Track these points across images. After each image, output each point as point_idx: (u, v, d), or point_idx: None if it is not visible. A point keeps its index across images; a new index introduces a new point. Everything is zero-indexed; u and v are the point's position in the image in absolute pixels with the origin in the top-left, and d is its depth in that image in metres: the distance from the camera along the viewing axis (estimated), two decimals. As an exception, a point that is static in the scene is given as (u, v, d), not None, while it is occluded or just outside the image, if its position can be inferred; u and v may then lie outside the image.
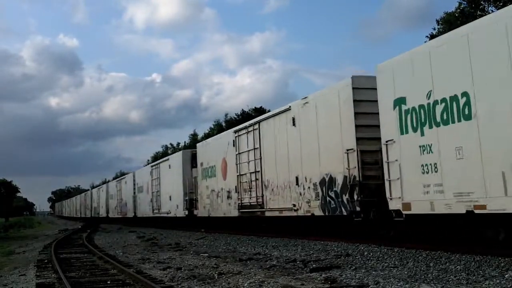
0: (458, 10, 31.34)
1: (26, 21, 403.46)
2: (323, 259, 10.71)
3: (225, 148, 20.22)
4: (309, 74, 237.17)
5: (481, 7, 30.59)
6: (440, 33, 30.00)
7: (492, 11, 27.65)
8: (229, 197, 19.80)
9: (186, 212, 24.77)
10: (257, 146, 17.41)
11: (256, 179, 17.36)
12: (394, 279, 7.72)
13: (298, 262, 10.47)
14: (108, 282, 9.21)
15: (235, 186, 19.04)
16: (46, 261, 13.72)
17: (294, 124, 15.03)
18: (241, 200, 18.58)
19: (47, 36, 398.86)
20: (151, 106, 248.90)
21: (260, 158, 17.14)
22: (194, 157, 24.75)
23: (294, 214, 15.11)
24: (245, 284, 8.07)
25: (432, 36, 31.24)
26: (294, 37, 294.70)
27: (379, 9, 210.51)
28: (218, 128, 55.59)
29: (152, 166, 33.00)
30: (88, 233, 28.73)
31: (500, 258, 8.53)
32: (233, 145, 19.28)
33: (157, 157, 76.03)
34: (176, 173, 26.48)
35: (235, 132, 19.46)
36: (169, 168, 27.86)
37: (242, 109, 56.45)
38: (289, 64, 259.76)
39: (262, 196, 16.96)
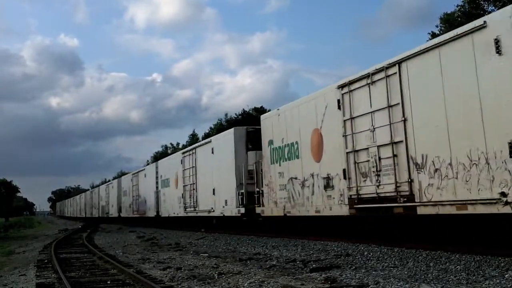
0: (459, 11, 31.33)
1: (26, 21, 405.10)
2: (323, 259, 10.71)
3: (319, 113, 13.97)
4: (310, 74, 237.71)
5: (481, 6, 30.59)
6: (442, 31, 30.01)
7: (493, 10, 27.66)
8: (328, 186, 13.47)
9: (242, 210, 18.44)
10: (395, 101, 11.08)
11: (394, 155, 11.09)
12: (394, 279, 7.72)
13: (298, 262, 10.47)
14: (108, 282, 9.21)
15: (343, 170, 12.73)
16: (46, 261, 13.73)
17: (498, 52, 8.75)
18: (356, 190, 12.28)
19: (48, 36, 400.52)
20: (152, 106, 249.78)
21: (404, 120, 10.83)
22: (250, 137, 19.06)
23: (503, 210, 8.66)
24: (245, 284, 8.07)
25: (433, 34, 31.24)
26: (294, 37, 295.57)
27: (379, 9, 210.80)
28: (218, 128, 55.53)
29: (184, 153, 25.74)
30: (88, 233, 28.74)
31: (500, 258, 8.53)
32: (338, 108, 12.95)
33: (156, 157, 75.96)
34: (224, 158, 20.01)
35: (341, 87, 12.89)
36: (212, 153, 21.33)
37: (243, 109, 56.47)
38: (290, 64, 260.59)
39: (410, 181, 10.66)
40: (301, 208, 14.84)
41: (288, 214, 15.59)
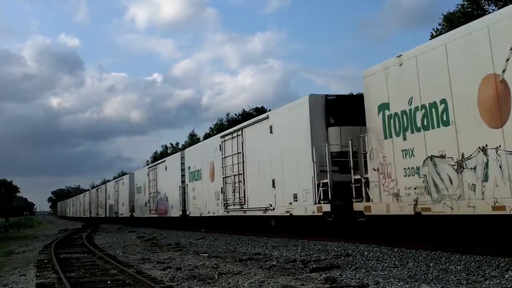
0: (459, 11, 31.36)
1: (27, 21, 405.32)
2: (323, 259, 10.71)
3: (498, 47, 8.78)
4: (310, 74, 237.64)
5: (481, 6, 30.60)
6: (445, 30, 30.02)
7: (493, 10, 27.66)
8: None
9: (325, 207, 13.44)
10: None
11: None
12: (394, 279, 7.72)
13: (298, 262, 10.47)
14: (108, 282, 9.21)
15: None
16: (46, 261, 13.72)
17: None
18: None
19: (48, 36, 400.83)
20: (152, 106, 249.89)
21: None
22: (331, 108, 14.36)
23: None
24: (245, 284, 8.07)
25: (437, 31, 31.26)
26: (295, 37, 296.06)
27: (379, 9, 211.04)
28: (218, 127, 55.53)
29: (224, 136, 20.54)
30: (88, 233, 28.74)
31: (500, 258, 8.53)
32: None
33: (156, 157, 76.00)
34: (292, 138, 15.25)
35: None
36: (271, 132, 16.51)
37: (243, 109, 56.52)
38: (290, 64, 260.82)
39: None
40: (458, 203, 9.59)
41: (424, 213, 10.37)
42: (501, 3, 27.94)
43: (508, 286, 6.83)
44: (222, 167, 20.25)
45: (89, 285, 9.08)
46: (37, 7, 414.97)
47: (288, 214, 15.36)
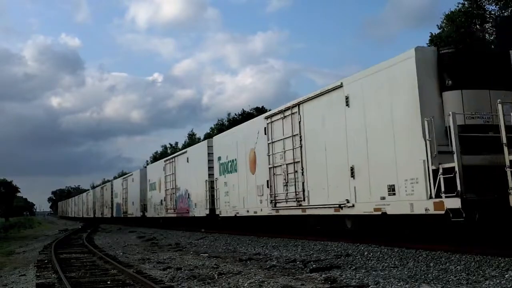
0: (459, 11, 31.38)
1: (28, 20, 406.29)
2: (323, 259, 10.71)
3: None
4: (311, 73, 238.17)
5: (481, 6, 30.60)
6: (448, 29, 30.03)
7: (494, 9, 27.67)
8: None
9: (451, 203, 9.26)
10: None
11: None
12: (394, 279, 7.72)
13: (298, 262, 10.48)
14: (108, 282, 9.22)
15: None
16: (46, 261, 13.74)
17: None
18: None
19: (49, 36, 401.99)
20: (152, 106, 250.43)
21: None
22: (447, 64, 10.34)
23: None
24: (245, 284, 8.08)
25: (440, 28, 31.30)
26: (296, 36, 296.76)
27: (382, 9, 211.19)
28: (219, 128, 55.52)
29: (269, 117, 16.65)
30: (88, 233, 28.77)
31: (500, 258, 8.52)
32: None
33: (156, 157, 76.02)
34: (388, 108, 11.04)
35: None
36: (347, 105, 12.42)
37: (243, 109, 56.51)
38: (291, 63, 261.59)
39: None
40: None
41: None
42: (502, 3, 27.94)
43: (508, 286, 6.83)
44: (269, 155, 16.37)
45: (89, 285, 9.09)
46: (38, 7, 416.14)
47: (380, 212, 11.31)
